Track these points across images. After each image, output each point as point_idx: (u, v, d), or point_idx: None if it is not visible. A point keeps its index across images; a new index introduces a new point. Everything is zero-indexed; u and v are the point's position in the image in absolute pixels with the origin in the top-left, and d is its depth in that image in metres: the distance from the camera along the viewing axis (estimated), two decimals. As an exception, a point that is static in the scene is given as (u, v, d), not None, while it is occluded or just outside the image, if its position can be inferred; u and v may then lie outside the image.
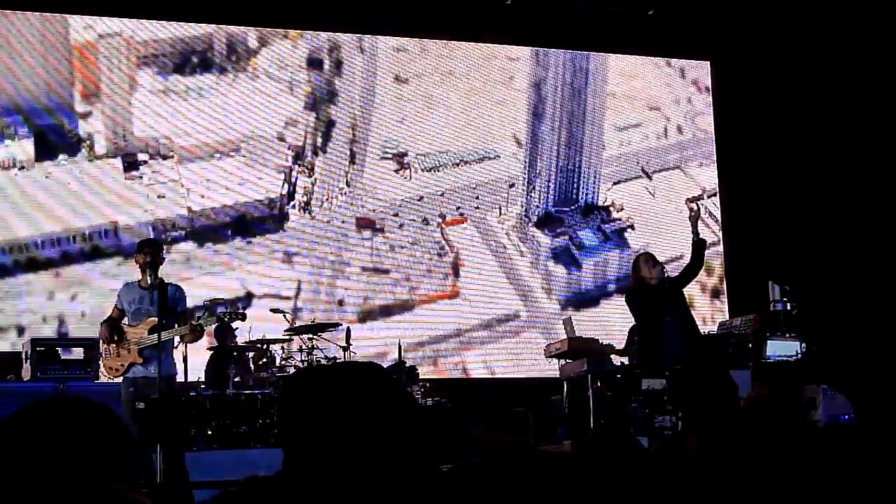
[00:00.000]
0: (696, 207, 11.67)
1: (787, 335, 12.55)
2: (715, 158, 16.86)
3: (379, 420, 2.28)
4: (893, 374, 12.26)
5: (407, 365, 13.09)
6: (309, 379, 2.44)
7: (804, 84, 15.68)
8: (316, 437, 2.29)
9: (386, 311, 14.92)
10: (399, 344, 13.09)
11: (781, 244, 15.41)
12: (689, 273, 11.33)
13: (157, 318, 9.92)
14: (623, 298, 11.82)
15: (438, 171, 15.46)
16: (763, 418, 4.16)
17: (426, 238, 15.31)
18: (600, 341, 12.91)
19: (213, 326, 11.14)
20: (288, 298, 14.35)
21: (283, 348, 12.86)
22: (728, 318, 14.23)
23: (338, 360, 11.90)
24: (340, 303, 14.69)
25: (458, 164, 15.57)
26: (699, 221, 11.49)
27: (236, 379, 11.96)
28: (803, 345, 12.38)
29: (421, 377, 13.38)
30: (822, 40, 15.41)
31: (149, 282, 10.10)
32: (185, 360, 10.19)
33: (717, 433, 4.37)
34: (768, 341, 12.24)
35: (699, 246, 11.24)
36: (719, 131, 16.82)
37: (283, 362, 12.62)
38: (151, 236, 12.55)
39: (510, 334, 15.45)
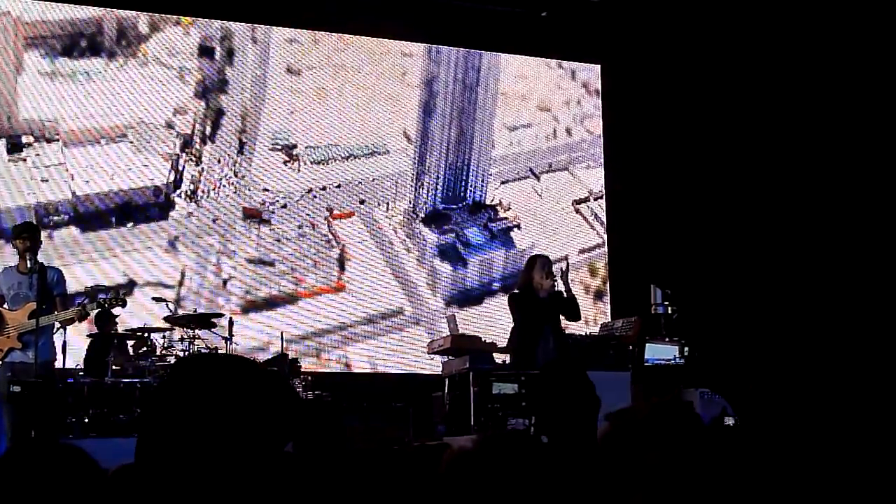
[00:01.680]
0: (564, 266, 11.74)
1: (667, 339, 12.69)
2: (602, 161, 17.02)
3: (233, 415, 2.29)
4: (771, 376, 12.44)
5: (289, 357, 13.05)
6: (175, 372, 2.44)
7: (690, 89, 15.90)
8: (170, 427, 2.30)
9: (270, 303, 14.85)
10: (282, 336, 13.04)
11: (664, 248, 15.61)
12: (567, 318, 11.51)
13: (35, 303, 9.84)
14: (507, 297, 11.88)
15: (328, 164, 15.42)
16: (666, 422, 4.17)
17: (312, 231, 15.25)
18: (483, 339, 12.92)
19: (94, 313, 10.97)
20: (171, 287, 14.23)
21: (164, 337, 12.70)
22: (610, 320, 14.32)
23: (216, 352, 11.82)
24: (224, 292, 14.56)
25: (347, 158, 15.55)
26: (568, 277, 11.56)
27: (115, 367, 11.81)
28: (685, 349, 12.52)
29: (303, 370, 13.32)
30: (709, 46, 15.64)
31: (28, 266, 10.01)
32: (63, 346, 10.14)
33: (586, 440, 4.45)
34: (647, 344, 12.38)
35: (571, 302, 11.41)
36: (607, 134, 16.96)
37: (163, 351, 12.48)
38: (32, 220, 12.32)
39: (394, 330, 15.47)
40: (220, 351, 12.12)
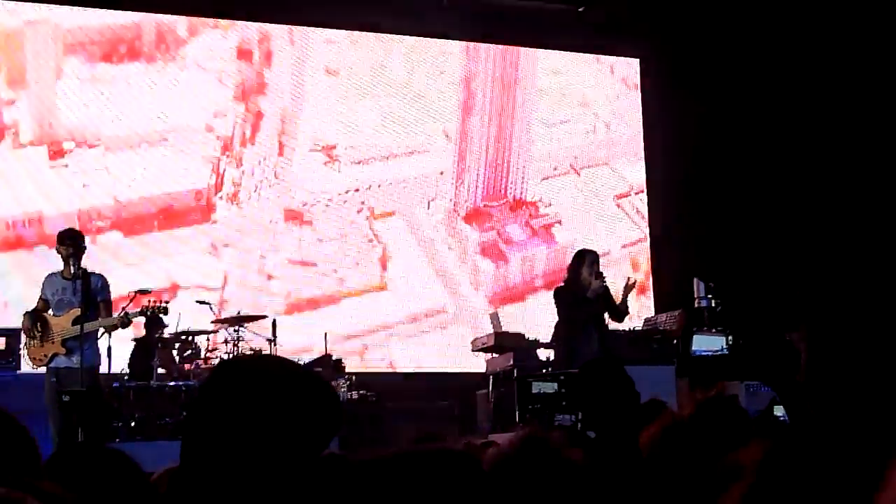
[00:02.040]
0: (630, 281, 11.68)
1: (713, 330, 12.62)
2: (642, 155, 16.94)
3: (278, 418, 2.31)
4: (819, 367, 12.33)
5: (333, 358, 13.05)
6: (216, 375, 2.46)
7: (728, 81, 15.81)
8: (213, 430, 2.32)
9: (313, 304, 14.86)
10: (325, 336, 13.06)
11: (706, 241, 15.53)
12: (612, 318, 11.58)
13: (79, 309, 9.92)
14: (552, 293, 11.82)
15: (367, 163, 15.41)
16: (713, 420, 4.15)
17: (354, 231, 15.26)
18: (526, 336, 12.89)
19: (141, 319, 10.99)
20: (214, 290, 14.23)
21: (208, 339, 12.78)
22: (653, 315, 14.25)
23: (260, 353, 11.82)
24: (267, 294, 14.58)
25: (387, 158, 15.54)
26: (629, 294, 11.58)
27: (160, 370, 11.86)
28: (729, 339, 12.45)
29: (347, 370, 13.30)
30: (745, 37, 15.56)
31: (71, 272, 10.09)
32: (108, 351, 10.18)
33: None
34: (694, 336, 12.31)
35: (621, 311, 11.52)
36: (647, 128, 16.89)
37: (207, 354, 12.57)
38: (76, 226, 12.40)
39: (437, 328, 15.46)
40: (263, 352, 12.06)
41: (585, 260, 11.37)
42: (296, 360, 12.44)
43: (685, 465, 3.40)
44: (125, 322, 10.24)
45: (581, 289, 11.22)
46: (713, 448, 3.46)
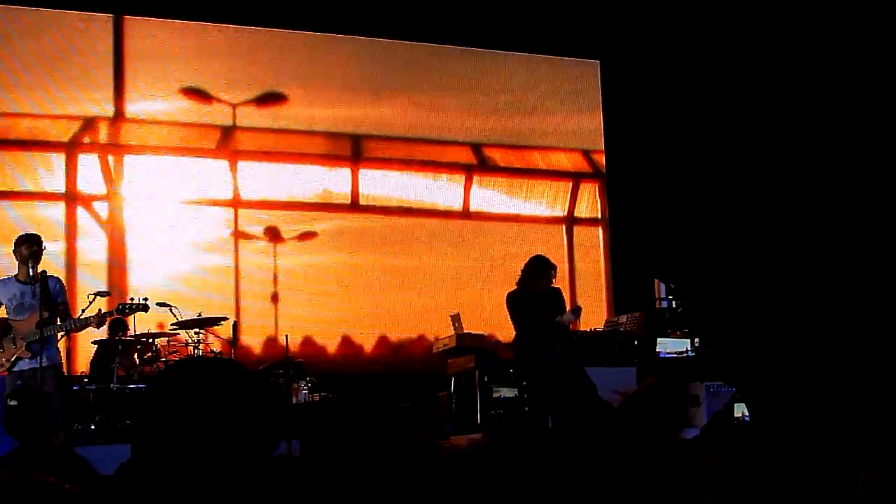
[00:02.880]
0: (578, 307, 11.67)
1: (678, 332, 12.68)
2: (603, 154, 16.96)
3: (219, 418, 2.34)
4: (783, 368, 12.40)
5: (294, 360, 12.99)
6: (159, 378, 2.50)
7: (689, 80, 15.89)
8: (163, 433, 2.34)
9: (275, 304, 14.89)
10: (286, 338, 13.00)
11: (666, 242, 15.55)
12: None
13: (43, 311, 9.91)
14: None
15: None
16: (643, 412, 4.16)
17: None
18: (487, 337, 12.88)
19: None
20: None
21: (168, 342, 12.72)
22: (614, 316, 14.28)
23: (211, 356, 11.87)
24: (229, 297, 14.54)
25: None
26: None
27: (120, 373, 11.77)
28: (696, 341, 12.52)
29: (309, 371, 13.23)
30: (706, 33, 15.58)
31: (30, 275, 10.07)
32: (68, 353, 10.17)
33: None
34: (658, 339, 12.37)
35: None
36: (607, 128, 16.91)
37: (168, 357, 12.47)
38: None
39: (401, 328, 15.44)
40: (222, 355, 12.04)
41: (547, 272, 11.31)
42: (258, 362, 12.69)
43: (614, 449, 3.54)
44: (100, 321, 10.28)
45: (539, 295, 11.17)
46: (640, 434, 3.69)
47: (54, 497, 1.46)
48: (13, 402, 9.53)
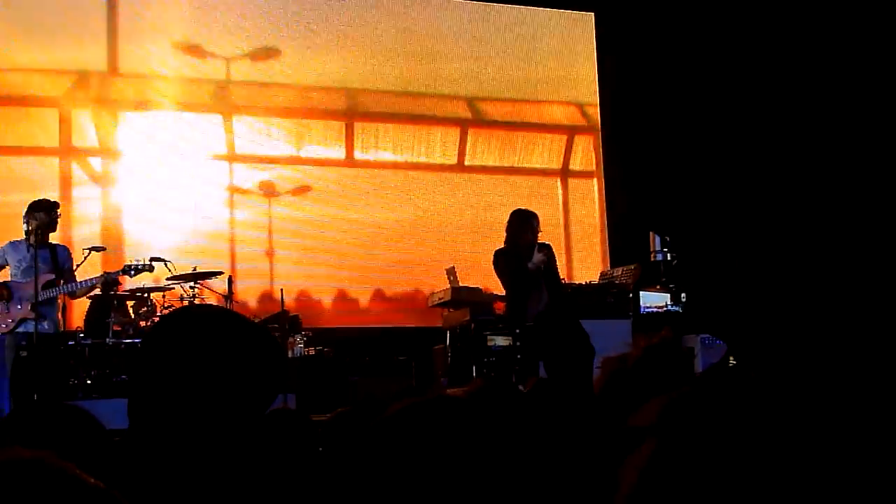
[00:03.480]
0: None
1: (658, 287, 12.69)
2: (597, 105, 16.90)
3: (221, 369, 2.32)
4: (772, 321, 12.44)
5: (290, 314, 13.04)
6: (157, 329, 2.48)
7: (686, 34, 15.87)
8: (161, 386, 2.33)
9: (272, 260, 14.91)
10: (282, 292, 12.98)
11: (663, 195, 15.54)
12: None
13: (51, 275, 10.30)
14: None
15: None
16: (657, 365, 4.18)
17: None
18: (482, 290, 12.90)
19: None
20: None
21: (163, 297, 12.70)
22: (609, 268, 14.27)
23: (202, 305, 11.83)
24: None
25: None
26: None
27: (116, 328, 11.81)
28: (682, 295, 12.53)
29: (304, 326, 13.40)
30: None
31: (41, 240, 10.37)
32: (63, 309, 10.25)
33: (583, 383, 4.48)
34: (641, 293, 12.39)
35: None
36: (602, 81, 16.86)
37: (163, 311, 12.44)
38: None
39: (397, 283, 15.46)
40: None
41: (529, 223, 11.37)
42: (252, 316, 12.63)
43: (630, 406, 3.50)
44: (108, 285, 10.80)
45: (523, 250, 11.24)
46: (656, 389, 3.60)
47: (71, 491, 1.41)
48: (24, 354, 9.76)
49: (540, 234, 11.47)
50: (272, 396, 2.41)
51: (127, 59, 14.63)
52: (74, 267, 10.98)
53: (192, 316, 2.53)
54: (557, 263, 11.85)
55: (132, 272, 11.03)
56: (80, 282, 10.50)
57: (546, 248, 11.38)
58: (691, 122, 15.73)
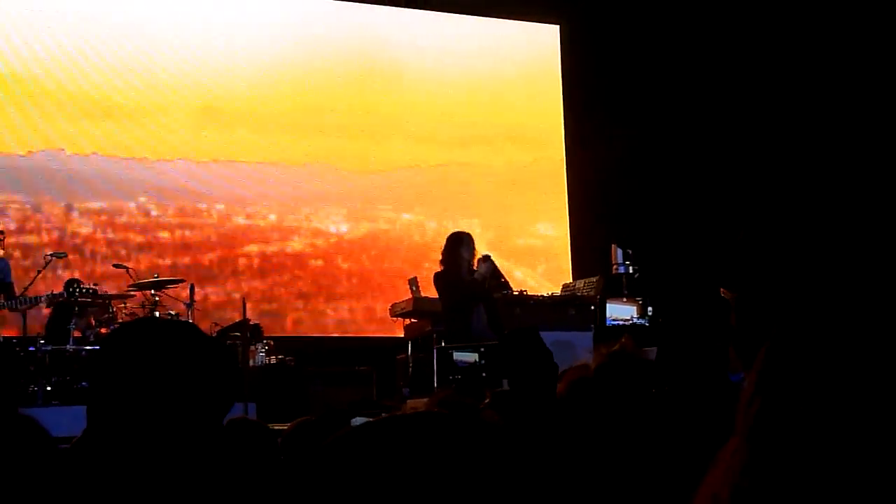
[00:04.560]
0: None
1: (625, 298, 12.68)
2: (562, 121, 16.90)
3: (177, 380, 2.34)
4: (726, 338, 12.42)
5: (251, 323, 12.95)
6: (112, 339, 2.53)
7: (652, 45, 15.87)
8: (117, 395, 2.35)
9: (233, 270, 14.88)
10: (243, 301, 12.82)
11: (625, 208, 15.54)
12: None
13: None
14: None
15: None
16: (618, 372, 4.24)
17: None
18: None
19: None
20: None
21: (124, 304, 12.64)
22: (571, 281, 14.24)
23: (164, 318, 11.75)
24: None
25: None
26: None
27: (76, 334, 11.73)
28: (649, 308, 12.54)
29: (266, 335, 13.39)
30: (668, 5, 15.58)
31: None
32: (24, 314, 10.23)
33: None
34: (607, 304, 12.37)
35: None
36: (566, 94, 16.86)
37: (124, 318, 12.31)
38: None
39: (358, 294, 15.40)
40: (179, 317, 12.00)
41: (462, 243, 11.35)
42: (214, 324, 12.87)
43: (592, 413, 3.59)
44: (51, 302, 10.85)
45: (461, 271, 11.25)
46: (616, 396, 3.73)
47: None
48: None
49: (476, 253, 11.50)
50: (226, 407, 2.42)
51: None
52: (36, 274, 11.10)
53: (147, 326, 2.57)
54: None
55: (76, 294, 11.00)
56: (23, 297, 10.57)
57: (488, 260, 11.44)
58: (657, 137, 15.74)
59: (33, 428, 2.67)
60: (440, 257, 11.48)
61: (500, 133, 16.55)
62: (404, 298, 13.30)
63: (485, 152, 16.43)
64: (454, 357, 11.04)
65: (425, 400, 9.42)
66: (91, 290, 11.17)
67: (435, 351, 11.31)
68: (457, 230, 11.95)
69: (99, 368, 2.42)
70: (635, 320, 12.45)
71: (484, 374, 10.74)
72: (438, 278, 11.44)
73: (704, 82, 15.36)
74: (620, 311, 12.46)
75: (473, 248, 11.35)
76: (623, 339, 4.60)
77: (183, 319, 11.72)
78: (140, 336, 2.43)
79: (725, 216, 14.19)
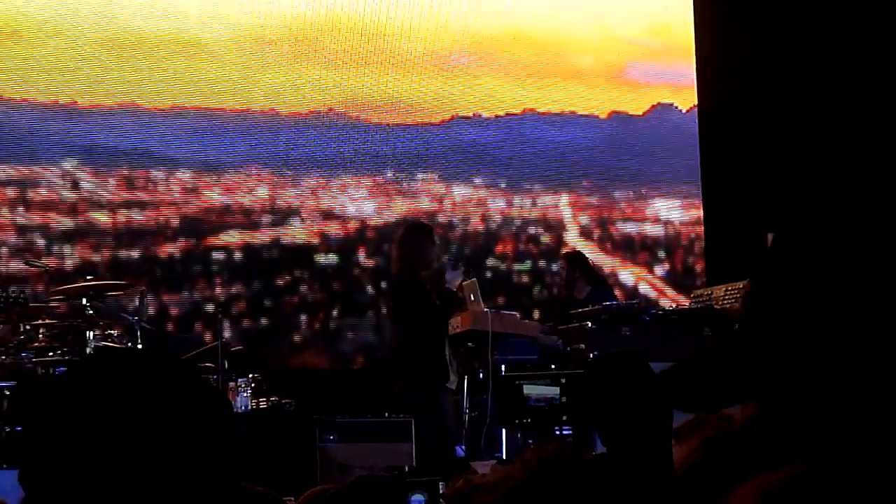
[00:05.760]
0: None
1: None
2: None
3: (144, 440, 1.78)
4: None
5: (231, 347, 10.72)
6: (60, 386, 1.91)
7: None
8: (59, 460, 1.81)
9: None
10: (218, 314, 10.83)
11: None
12: None
13: None
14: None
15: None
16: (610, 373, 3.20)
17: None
18: (518, 317, 11.05)
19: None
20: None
21: (43, 318, 10.10)
22: (705, 287, 12.05)
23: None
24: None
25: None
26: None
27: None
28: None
29: (252, 365, 10.95)
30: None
31: None
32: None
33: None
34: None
35: None
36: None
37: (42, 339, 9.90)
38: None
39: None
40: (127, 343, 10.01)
41: (429, 237, 10.16)
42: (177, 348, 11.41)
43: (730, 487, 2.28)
44: None
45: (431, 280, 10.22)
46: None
47: None
48: None
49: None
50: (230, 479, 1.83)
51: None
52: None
53: (115, 367, 1.91)
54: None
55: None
56: None
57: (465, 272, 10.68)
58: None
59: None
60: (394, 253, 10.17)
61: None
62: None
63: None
64: (524, 391, 9.64)
65: (494, 463, 8.63)
66: (19, 298, 9.55)
67: (490, 382, 9.89)
68: (417, 220, 11.34)
69: (40, 430, 1.83)
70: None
71: (565, 418, 9.50)
72: (397, 287, 10.11)
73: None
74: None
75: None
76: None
77: (164, 355, 9.11)
78: (99, 377, 1.86)
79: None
